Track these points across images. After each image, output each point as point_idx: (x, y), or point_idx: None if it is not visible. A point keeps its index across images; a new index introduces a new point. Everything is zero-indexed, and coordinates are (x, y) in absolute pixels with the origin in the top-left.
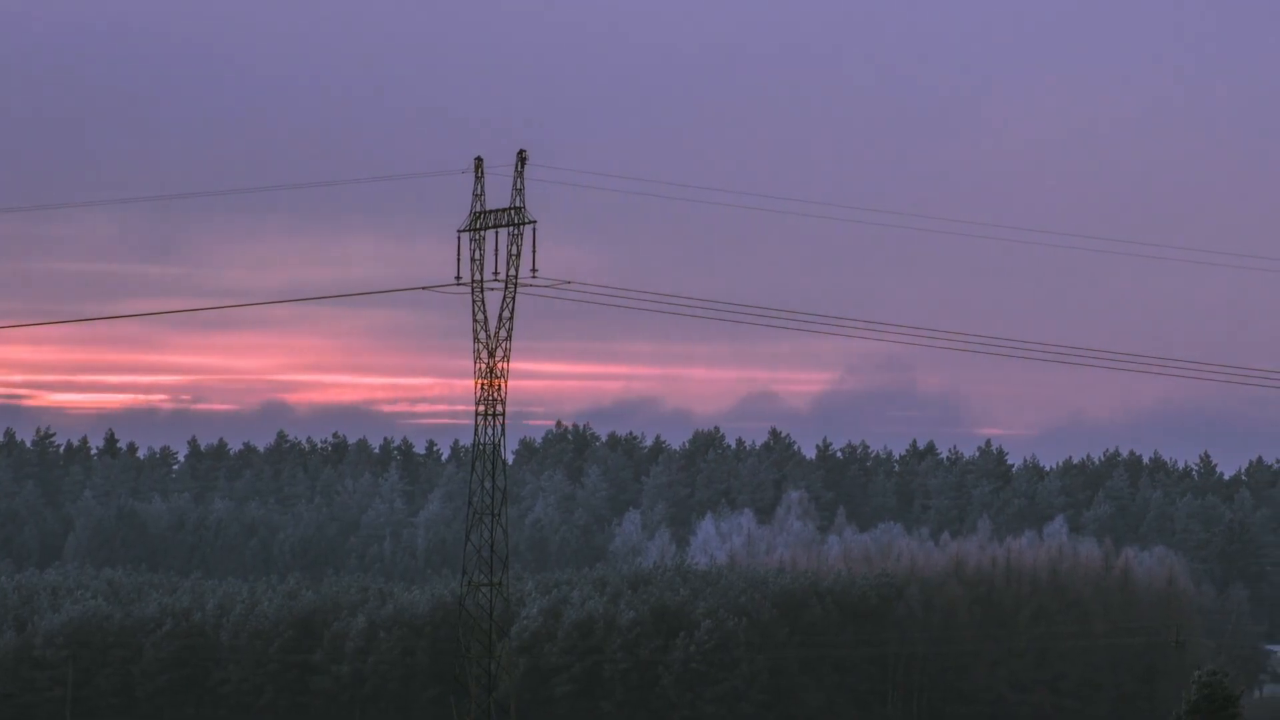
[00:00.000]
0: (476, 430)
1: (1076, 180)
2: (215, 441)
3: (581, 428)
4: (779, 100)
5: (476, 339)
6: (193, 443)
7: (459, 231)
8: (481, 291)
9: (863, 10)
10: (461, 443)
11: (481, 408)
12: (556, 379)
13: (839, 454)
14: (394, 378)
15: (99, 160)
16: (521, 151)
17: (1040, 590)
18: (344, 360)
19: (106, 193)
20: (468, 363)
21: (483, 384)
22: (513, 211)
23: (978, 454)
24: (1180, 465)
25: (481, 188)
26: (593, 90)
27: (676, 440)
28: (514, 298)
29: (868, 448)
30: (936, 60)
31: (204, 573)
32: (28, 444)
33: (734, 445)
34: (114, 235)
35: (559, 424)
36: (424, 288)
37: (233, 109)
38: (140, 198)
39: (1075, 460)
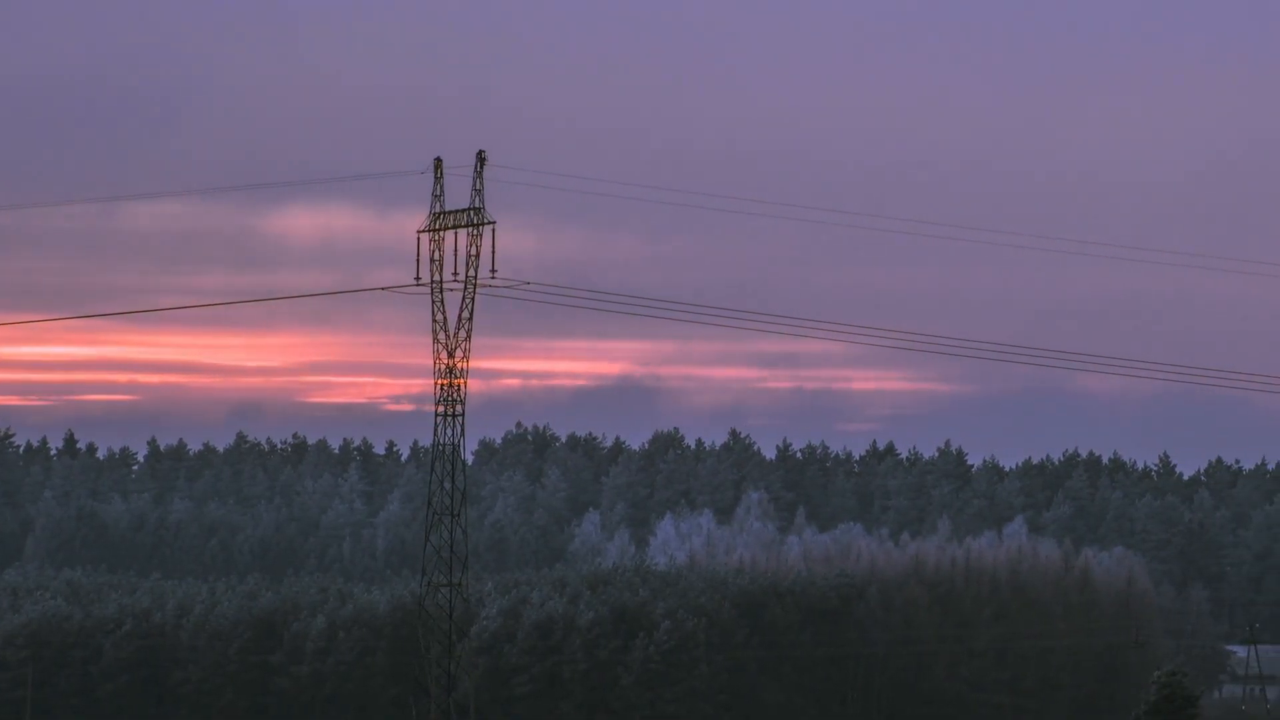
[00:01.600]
0: (436, 431)
1: (1023, 179)
2: (175, 442)
3: (541, 428)
4: (744, 98)
5: (436, 339)
6: (152, 443)
7: (418, 232)
8: (441, 292)
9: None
10: (421, 443)
11: (441, 408)
12: (517, 379)
13: (799, 454)
14: (357, 377)
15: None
16: (481, 152)
17: (1000, 591)
18: (307, 359)
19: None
20: (427, 362)
21: (442, 384)
22: (472, 212)
23: (937, 454)
24: (1140, 466)
25: (441, 188)
26: (553, 89)
27: (636, 441)
28: (473, 298)
29: (827, 448)
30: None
31: (164, 573)
32: None
33: (693, 446)
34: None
35: (519, 424)
36: (383, 288)
37: (184, 107)
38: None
39: (1035, 461)
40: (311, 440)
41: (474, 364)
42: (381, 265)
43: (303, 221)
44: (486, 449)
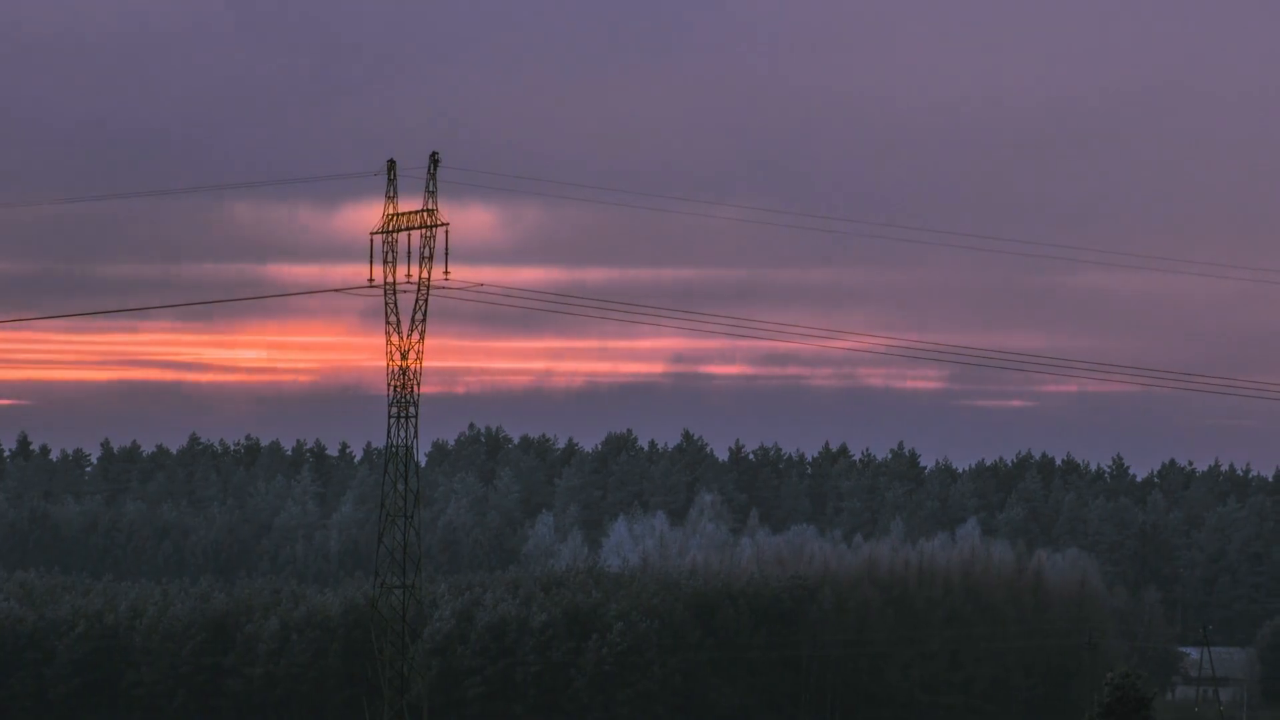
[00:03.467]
0: (389, 432)
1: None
2: (128, 443)
3: (494, 429)
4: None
5: (389, 341)
6: (105, 445)
7: (371, 234)
8: (394, 294)
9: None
10: (374, 445)
11: (394, 409)
12: (471, 380)
13: (751, 456)
14: (309, 378)
15: None
16: (434, 154)
17: (953, 592)
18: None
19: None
20: (380, 364)
21: (395, 386)
22: (425, 214)
23: (890, 456)
24: (1093, 467)
25: (394, 190)
26: (504, 90)
27: (589, 442)
28: (426, 300)
29: (780, 450)
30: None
31: (117, 575)
32: None
33: (646, 447)
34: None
35: (471, 426)
36: (337, 290)
37: (138, 109)
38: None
39: (988, 463)
40: (264, 442)
41: (427, 365)
42: (335, 266)
43: (254, 221)
44: (440, 450)
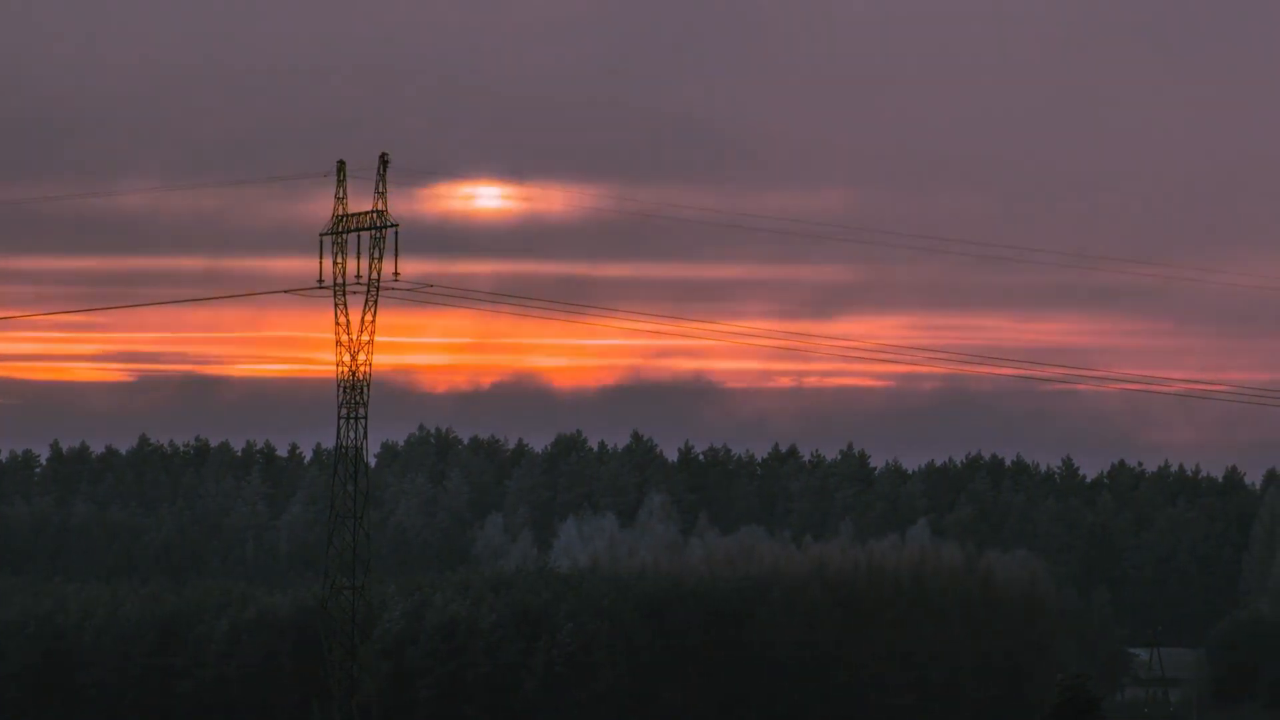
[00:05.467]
0: (339, 433)
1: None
2: (78, 444)
3: (444, 430)
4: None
5: (339, 342)
6: (55, 445)
7: (321, 235)
8: (344, 294)
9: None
10: (324, 445)
11: (344, 410)
12: (419, 380)
13: (701, 457)
14: (259, 379)
15: None
16: (384, 155)
17: (902, 593)
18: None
19: None
20: (330, 364)
21: (344, 386)
22: (375, 215)
23: (840, 457)
24: (1043, 468)
25: (344, 191)
26: (455, 91)
27: (539, 443)
28: (376, 300)
29: (729, 451)
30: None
31: (66, 576)
32: None
33: (596, 448)
34: None
35: (421, 427)
36: (286, 290)
37: (87, 103)
38: None
39: (937, 464)
40: (214, 443)
41: (377, 365)
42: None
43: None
44: (389, 451)
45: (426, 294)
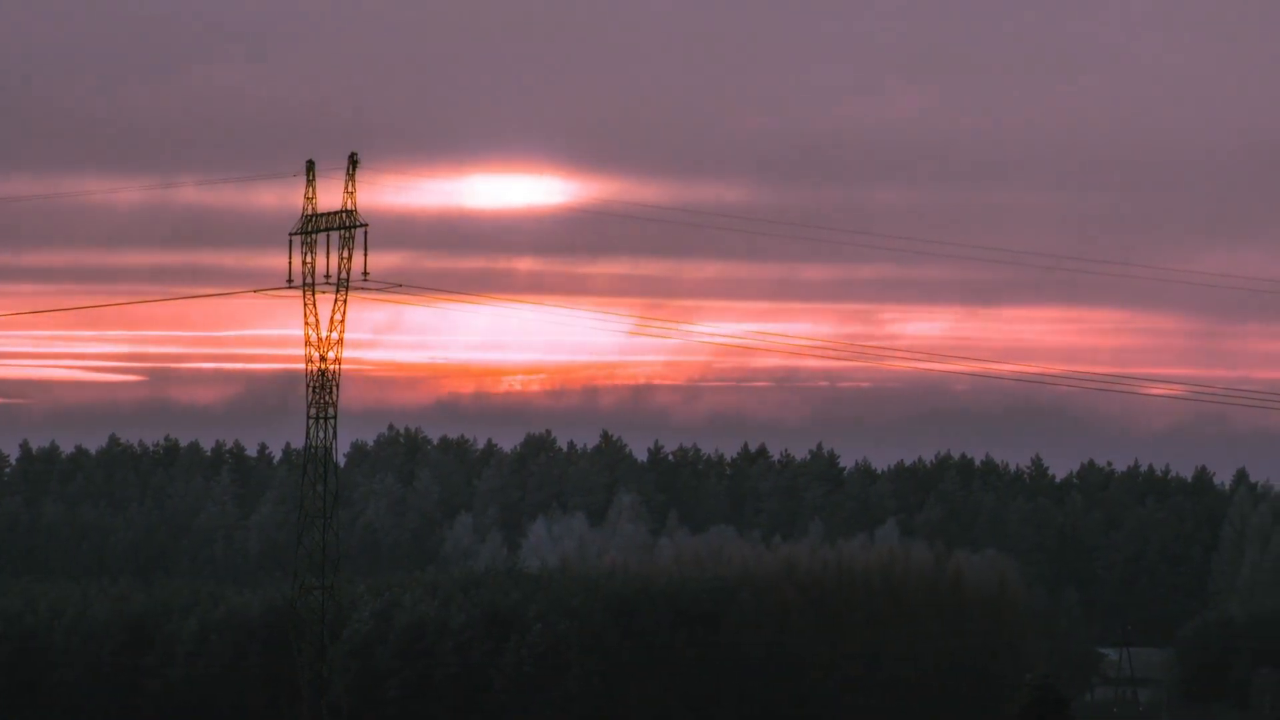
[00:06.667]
0: (308, 433)
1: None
2: (47, 444)
3: (413, 430)
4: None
5: (308, 342)
6: (24, 445)
7: (290, 234)
8: (313, 294)
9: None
10: (294, 445)
11: (313, 410)
12: (389, 380)
13: (670, 457)
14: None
15: None
16: (353, 154)
17: (872, 593)
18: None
19: None
20: (300, 364)
21: (314, 387)
22: (344, 214)
23: (809, 456)
24: (1012, 468)
25: (313, 191)
26: (423, 91)
27: (508, 443)
28: (345, 301)
29: (699, 451)
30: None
31: (36, 576)
32: None
33: (565, 448)
34: None
35: (390, 427)
36: (254, 290)
37: (43, 97)
38: None
39: (907, 463)
40: (184, 442)
41: (346, 365)
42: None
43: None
44: (358, 451)
45: (396, 293)
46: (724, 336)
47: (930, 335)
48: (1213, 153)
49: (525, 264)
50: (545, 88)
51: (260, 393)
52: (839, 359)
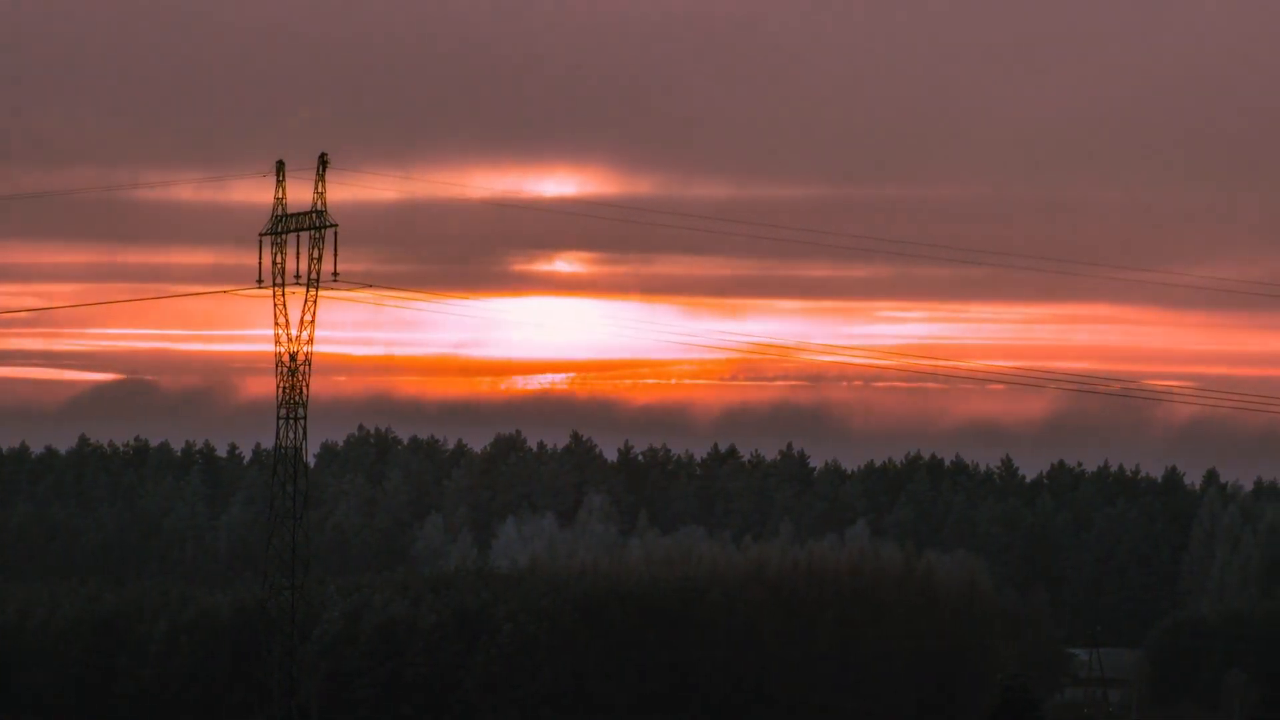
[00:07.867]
0: (278, 433)
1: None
2: (17, 444)
3: (383, 430)
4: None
5: (278, 342)
6: None
7: (260, 234)
8: (283, 295)
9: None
10: (264, 446)
11: (283, 411)
12: (359, 380)
13: (640, 457)
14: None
15: None
16: (323, 155)
17: (842, 593)
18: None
19: None
20: (269, 364)
21: (284, 387)
22: (314, 215)
23: (779, 457)
24: (982, 469)
25: (283, 191)
26: (396, 92)
27: (478, 443)
28: (315, 301)
29: (669, 451)
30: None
31: (5, 576)
32: None
33: (535, 449)
34: None
35: (360, 427)
36: (224, 290)
37: (31, 99)
38: None
39: (877, 464)
40: (154, 443)
41: (316, 365)
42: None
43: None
44: (328, 451)
45: (366, 293)
46: (689, 336)
47: (906, 335)
48: None
49: (496, 264)
50: (510, 86)
51: (224, 387)
52: (813, 355)
